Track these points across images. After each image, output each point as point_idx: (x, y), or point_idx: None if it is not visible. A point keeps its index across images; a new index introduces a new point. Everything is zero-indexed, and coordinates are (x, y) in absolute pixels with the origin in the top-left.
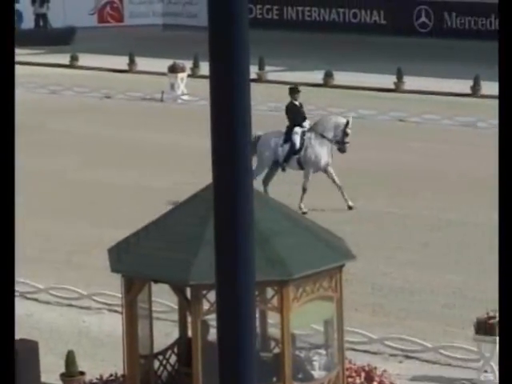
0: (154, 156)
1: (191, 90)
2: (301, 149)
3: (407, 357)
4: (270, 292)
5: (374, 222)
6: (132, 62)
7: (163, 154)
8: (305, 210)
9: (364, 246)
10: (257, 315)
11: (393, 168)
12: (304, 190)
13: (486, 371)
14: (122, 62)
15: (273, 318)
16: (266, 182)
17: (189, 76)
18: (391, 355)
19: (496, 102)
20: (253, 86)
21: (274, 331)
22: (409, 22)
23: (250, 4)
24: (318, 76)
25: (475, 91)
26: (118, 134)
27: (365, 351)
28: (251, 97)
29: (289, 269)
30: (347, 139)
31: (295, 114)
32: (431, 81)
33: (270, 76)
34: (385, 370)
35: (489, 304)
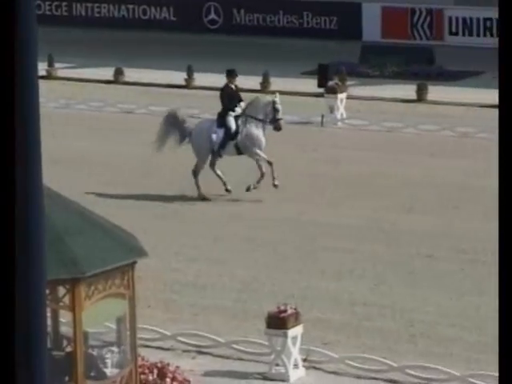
0: None
1: None
2: (237, 132)
3: (200, 352)
4: (62, 291)
5: (166, 220)
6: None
7: None
8: (276, 183)
9: (156, 242)
10: (48, 314)
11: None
12: (270, 163)
13: (277, 364)
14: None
15: (65, 317)
16: (212, 166)
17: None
18: (184, 351)
19: (284, 98)
20: (42, 83)
21: (66, 330)
22: (198, 19)
23: (38, 0)
24: (108, 73)
25: (264, 87)
26: None
27: (158, 348)
28: (41, 93)
29: (80, 267)
30: (279, 115)
31: (231, 98)
32: (222, 77)
33: (61, 73)
34: (178, 367)
35: (279, 298)
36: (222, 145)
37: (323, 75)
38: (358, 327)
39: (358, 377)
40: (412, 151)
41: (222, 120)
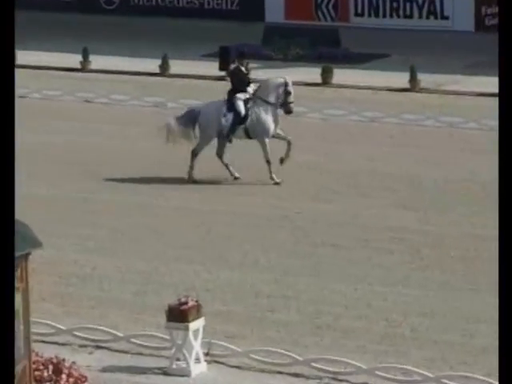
0: None
1: None
2: (246, 117)
3: (98, 347)
4: None
5: (63, 208)
6: None
7: None
8: (278, 181)
9: (51, 233)
10: None
11: (83, 150)
12: (268, 162)
13: (178, 359)
14: None
15: None
16: (219, 154)
17: None
18: (81, 346)
19: (184, 81)
20: None
21: None
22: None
23: None
24: None
25: (164, 70)
26: None
27: (53, 343)
28: None
29: None
30: (290, 98)
31: (240, 79)
32: (119, 60)
33: None
34: (74, 362)
35: (180, 290)
36: (232, 129)
37: (225, 58)
38: (262, 320)
39: (262, 371)
40: (318, 137)
41: (231, 103)
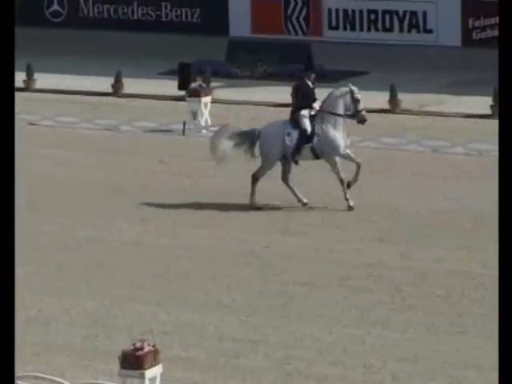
0: None
1: None
2: (313, 134)
3: None
4: None
5: None
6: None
7: None
8: (351, 204)
9: None
10: None
11: (26, 178)
12: (342, 181)
13: None
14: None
15: None
16: (285, 178)
17: None
18: None
19: (140, 102)
20: None
21: None
22: (39, 11)
23: None
24: None
25: (117, 90)
26: None
27: None
28: None
29: None
30: (360, 106)
31: (305, 95)
32: (67, 78)
33: None
34: None
35: (135, 333)
36: (298, 149)
37: (184, 76)
38: (227, 366)
39: None
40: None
41: (295, 121)
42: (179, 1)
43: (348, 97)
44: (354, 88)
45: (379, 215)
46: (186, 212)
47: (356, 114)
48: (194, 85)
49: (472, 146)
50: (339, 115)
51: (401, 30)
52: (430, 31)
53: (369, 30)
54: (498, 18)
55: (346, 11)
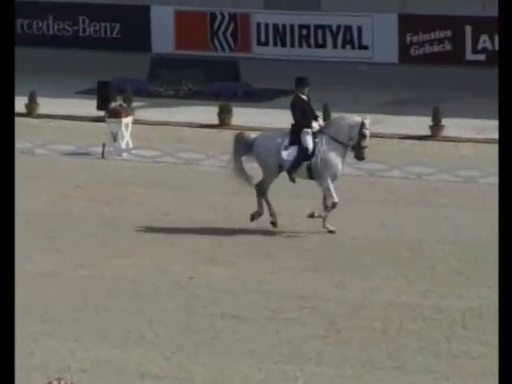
0: None
1: None
2: (313, 154)
3: None
4: None
5: None
6: None
7: None
8: (332, 229)
9: None
10: None
11: None
12: (326, 207)
13: None
14: None
15: None
16: (262, 190)
17: None
18: None
19: (56, 123)
20: None
21: None
22: None
23: None
24: None
25: (31, 110)
26: None
27: None
28: None
29: None
30: (364, 143)
31: (303, 112)
32: None
33: None
34: None
35: (51, 372)
36: (295, 165)
37: (104, 95)
38: None
39: None
40: (214, 189)
41: (295, 137)
42: (98, 15)
43: (356, 129)
44: (366, 121)
45: (313, 243)
46: (105, 241)
47: (357, 149)
48: (114, 105)
49: (410, 169)
50: (340, 143)
51: (334, 45)
52: (366, 47)
53: (300, 45)
54: (436, 33)
55: (276, 26)
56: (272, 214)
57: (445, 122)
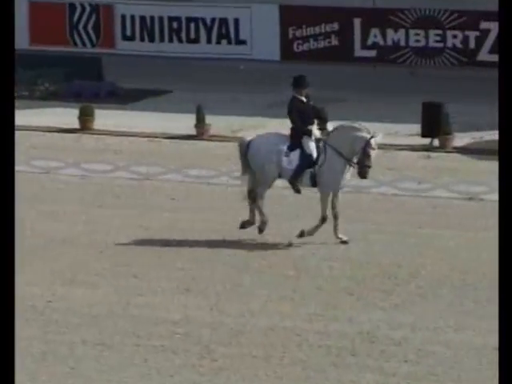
0: None
1: None
2: (317, 160)
3: None
4: None
5: None
6: None
7: None
8: (345, 239)
9: None
10: None
11: None
12: (324, 219)
13: None
14: None
15: None
16: (254, 197)
17: None
18: None
19: None
20: None
21: None
22: None
23: None
24: None
25: None
26: None
27: None
28: None
29: None
30: (369, 162)
31: (302, 115)
32: None
33: None
34: None
35: None
36: (297, 174)
37: None
38: None
39: None
40: (75, 201)
41: (296, 142)
42: None
43: (360, 146)
44: (373, 141)
45: (186, 260)
46: None
47: (360, 166)
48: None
49: None
50: (343, 157)
51: (208, 40)
52: (244, 42)
53: (170, 40)
54: (322, 27)
55: (143, 18)
56: (263, 222)
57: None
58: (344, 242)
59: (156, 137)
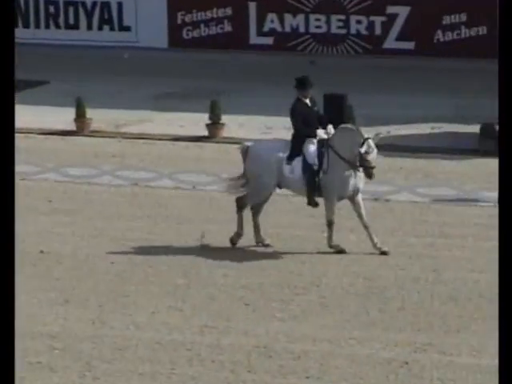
0: None
1: None
2: (320, 168)
3: None
4: None
5: None
6: None
7: None
8: (384, 249)
9: None
10: None
11: None
12: (330, 224)
13: None
14: None
15: None
16: (256, 211)
17: None
18: None
19: None
20: None
21: None
22: None
23: None
24: None
25: None
26: None
27: None
28: None
29: None
30: (368, 164)
31: (305, 118)
32: None
33: None
34: None
35: None
36: (311, 185)
37: None
38: None
39: None
40: None
41: (297, 149)
42: None
43: (356, 149)
44: (364, 148)
45: (63, 269)
46: None
47: (363, 168)
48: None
49: (183, 177)
50: (345, 160)
51: (89, 27)
52: (128, 29)
53: (47, 27)
54: (214, 12)
55: (16, 2)
56: (239, 234)
57: (225, 119)
58: (384, 253)
59: (31, 132)
